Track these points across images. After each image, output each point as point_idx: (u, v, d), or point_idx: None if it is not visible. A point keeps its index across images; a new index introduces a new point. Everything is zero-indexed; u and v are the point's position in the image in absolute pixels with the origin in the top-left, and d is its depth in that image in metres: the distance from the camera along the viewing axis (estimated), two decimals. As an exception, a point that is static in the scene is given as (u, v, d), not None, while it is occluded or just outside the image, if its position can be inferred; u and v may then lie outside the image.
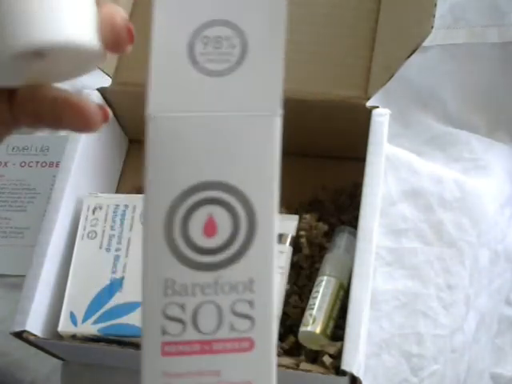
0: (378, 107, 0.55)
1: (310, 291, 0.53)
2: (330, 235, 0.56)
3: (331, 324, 0.51)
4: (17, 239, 0.66)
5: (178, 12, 0.30)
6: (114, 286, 0.53)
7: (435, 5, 0.48)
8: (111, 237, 0.55)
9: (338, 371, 0.47)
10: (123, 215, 0.56)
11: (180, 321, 0.29)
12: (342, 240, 0.55)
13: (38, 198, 0.68)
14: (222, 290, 0.29)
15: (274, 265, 0.30)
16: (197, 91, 0.30)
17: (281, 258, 0.54)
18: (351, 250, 0.51)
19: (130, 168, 0.67)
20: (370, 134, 0.54)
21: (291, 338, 0.53)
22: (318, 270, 0.54)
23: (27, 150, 0.71)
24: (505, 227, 0.64)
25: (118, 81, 0.60)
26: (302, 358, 0.51)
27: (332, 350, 0.49)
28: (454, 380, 0.58)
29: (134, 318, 0.52)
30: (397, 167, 0.63)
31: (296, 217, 0.56)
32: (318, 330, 0.50)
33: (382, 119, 0.54)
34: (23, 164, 0.70)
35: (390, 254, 0.60)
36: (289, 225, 0.56)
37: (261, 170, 0.31)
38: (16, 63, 0.29)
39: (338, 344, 0.49)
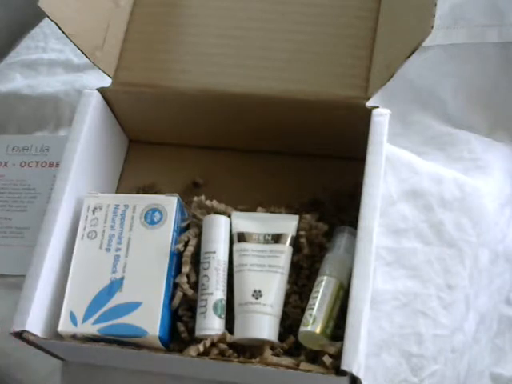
0: (378, 107, 0.55)
1: (310, 291, 0.53)
2: (330, 235, 0.56)
3: (331, 324, 0.51)
4: (17, 239, 0.66)
5: None
6: (114, 285, 0.53)
7: (435, 5, 0.48)
8: (111, 237, 0.55)
9: (338, 371, 0.47)
10: (123, 215, 0.56)
11: None
12: (341, 240, 0.55)
13: (38, 198, 0.68)
14: None
15: None
16: None
17: (281, 258, 0.54)
18: (351, 250, 0.51)
19: (130, 168, 0.67)
20: (370, 134, 0.54)
21: (291, 338, 0.52)
22: (317, 270, 0.54)
23: (27, 150, 0.71)
24: (505, 227, 0.64)
25: (118, 81, 0.60)
26: (302, 358, 0.51)
27: (332, 349, 0.49)
28: (453, 380, 0.58)
29: (133, 318, 0.52)
30: (397, 167, 0.63)
31: (296, 217, 0.56)
32: (318, 329, 0.50)
33: (381, 119, 0.54)
34: (23, 164, 0.70)
35: (390, 254, 0.60)
36: (289, 225, 0.56)
37: None
38: None
39: (338, 344, 0.49)
